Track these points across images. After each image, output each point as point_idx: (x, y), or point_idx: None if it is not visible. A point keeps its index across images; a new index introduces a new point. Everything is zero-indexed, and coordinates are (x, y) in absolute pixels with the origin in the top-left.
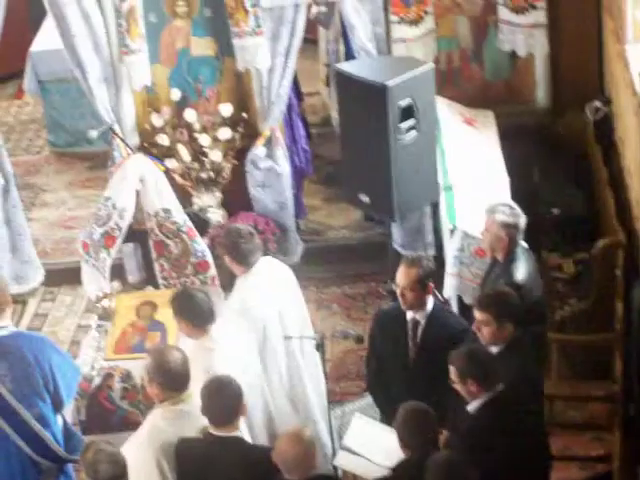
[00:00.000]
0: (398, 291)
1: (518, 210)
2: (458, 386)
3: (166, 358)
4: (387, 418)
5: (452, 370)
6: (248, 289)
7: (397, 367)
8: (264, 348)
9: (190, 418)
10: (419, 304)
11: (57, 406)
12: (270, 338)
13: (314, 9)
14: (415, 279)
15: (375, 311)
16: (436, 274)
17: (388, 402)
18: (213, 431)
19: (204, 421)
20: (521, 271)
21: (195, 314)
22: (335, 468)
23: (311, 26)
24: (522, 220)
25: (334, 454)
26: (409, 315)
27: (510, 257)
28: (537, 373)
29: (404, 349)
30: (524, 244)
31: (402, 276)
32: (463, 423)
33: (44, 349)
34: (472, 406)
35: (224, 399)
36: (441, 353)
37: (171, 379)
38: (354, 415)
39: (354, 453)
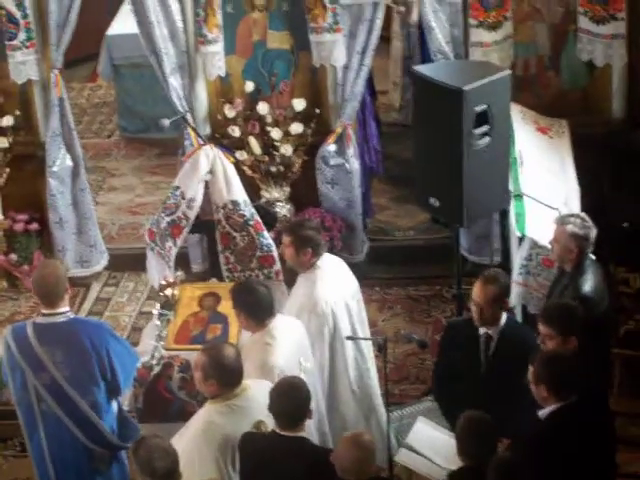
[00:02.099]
0: (473, 307)
1: (589, 222)
2: (533, 387)
3: (222, 354)
4: (451, 424)
5: (530, 370)
6: (315, 283)
7: (467, 380)
8: (334, 339)
9: (244, 413)
10: (493, 320)
11: (113, 393)
12: (339, 329)
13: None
14: (492, 297)
15: (438, 316)
16: None
17: (454, 410)
18: (279, 430)
19: (258, 416)
20: (589, 284)
21: (254, 307)
22: (391, 468)
23: (385, 23)
24: (593, 232)
25: (390, 454)
26: (482, 330)
27: (578, 269)
28: (602, 388)
29: (475, 363)
30: (592, 256)
31: (479, 293)
32: (531, 427)
33: (102, 336)
34: (543, 412)
35: (293, 402)
36: (513, 368)
37: (227, 375)
38: (418, 418)
39: (416, 452)
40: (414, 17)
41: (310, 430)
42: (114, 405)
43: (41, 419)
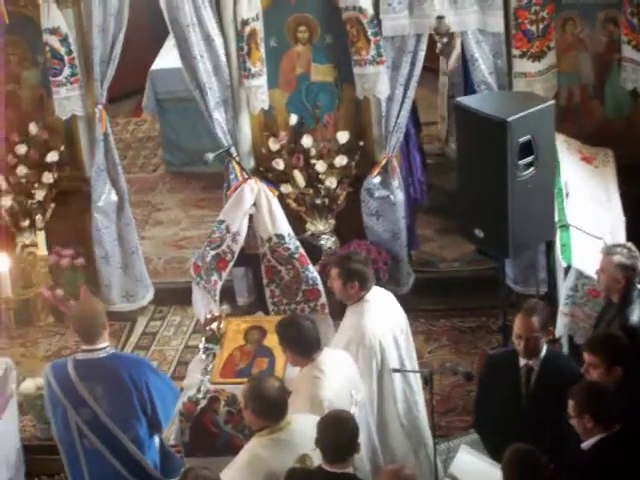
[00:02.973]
0: (517, 340)
1: (636, 252)
2: (574, 421)
3: (261, 385)
4: (494, 458)
5: (570, 404)
6: (363, 315)
7: (508, 412)
8: (382, 372)
9: (288, 447)
10: (537, 351)
11: (154, 428)
12: (388, 362)
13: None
14: (537, 328)
15: (484, 347)
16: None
17: (496, 443)
18: (325, 466)
19: (303, 450)
20: (637, 314)
21: (300, 343)
22: None
23: (430, 55)
24: None
25: None
26: (522, 361)
27: (626, 299)
28: None
29: (516, 395)
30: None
31: (523, 326)
32: (576, 460)
33: (141, 371)
34: (587, 443)
35: (340, 435)
36: (554, 399)
37: (266, 407)
38: (461, 447)
39: None
40: (451, 63)
41: (363, 463)
42: (156, 440)
43: (83, 455)
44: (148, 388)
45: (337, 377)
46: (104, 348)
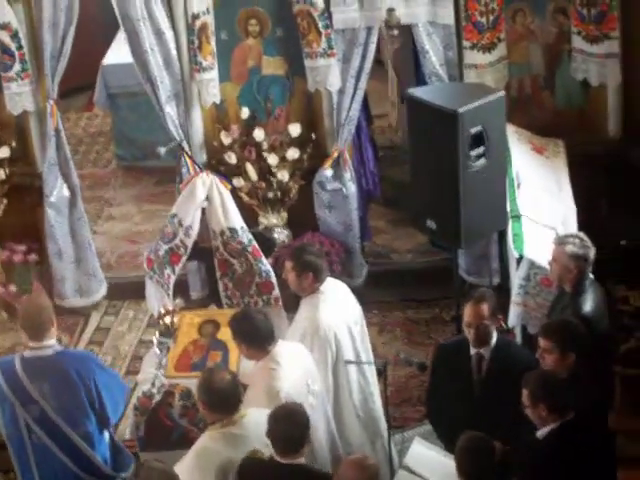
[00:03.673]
0: (468, 329)
1: (588, 242)
2: (529, 410)
3: (212, 378)
4: (448, 448)
5: (524, 393)
6: (318, 307)
7: (460, 401)
8: (336, 364)
9: (240, 441)
10: (488, 339)
11: (103, 424)
12: (343, 354)
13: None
14: (486, 315)
15: (438, 338)
16: (500, 303)
17: (449, 433)
18: (277, 457)
19: (255, 444)
20: (589, 303)
21: (254, 336)
22: None
23: (380, 47)
24: (592, 252)
25: (392, 478)
26: (473, 350)
27: (578, 289)
28: (602, 406)
29: (468, 383)
30: (592, 276)
31: (471, 314)
32: (530, 449)
33: (89, 367)
34: (541, 432)
35: (291, 428)
36: (506, 387)
37: (217, 400)
38: (415, 438)
39: (414, 473)
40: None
41: (324, 452)
42: (106, 435)
43: (32, 452)
44: (95, 384)
45: (293, 368)
46: (51, 346)
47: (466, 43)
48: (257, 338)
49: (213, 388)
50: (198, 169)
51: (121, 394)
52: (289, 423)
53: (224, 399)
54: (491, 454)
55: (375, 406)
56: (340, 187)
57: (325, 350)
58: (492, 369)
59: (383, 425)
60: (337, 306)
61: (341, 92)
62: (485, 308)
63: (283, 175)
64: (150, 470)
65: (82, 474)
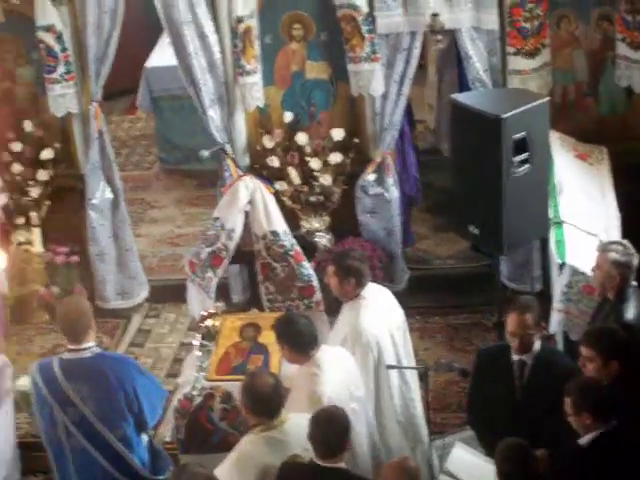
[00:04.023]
0: (511, 338)
1: (631, 249)
2: (572, 418)
3: (255, 382)
4: (489, 453)
5: (567, 402)
6: (359, 312)
7: (502, 406)
8: (378, 369)
9: (280, 446)
10: (529, 347)
11: (141, 427)
12: (384, 359)
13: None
14: (530, 325)
15: (479, 344)
16: (542, 309)
17: (491, 438)
18: (317, 461)
19: (295, 449)
20: (632, 311)
21: (297, 340)
22: None
23: (422, 52)
24: (635, 259)
25: None
26: (515, 356)
27: (621, 297)
28: None
29: (510, 390)
30: (635, 283)
31: (515, 324)
32: (573, 457)
33: (127, 370)
34: (585, 439)
35: (332, 432)
36: (548, 394)
37: (259, 404)
38: (456, 443)
39: (455, 478)
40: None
41: (365, 459)
42: (144, 438)
43: (71, 455)
44: (134, 387)
45: (336, 373)
46: (90, 348)
47: (510, 49)
48: (300, 342)
49: (256, 391)
50: (241, 172)
51: (159, 398)
52: (330, 426)
53: (266, 403)
54: (531, 460)
55: (416, 412)
56: (382, 192)
57: (367, 355)
58: (534, 376)
59: (424, 431)
60: (379, 312)
61: (384, 97)
62: (529, 317)
63: (326, 179)
64: (192, 475)
65: (120, 477)
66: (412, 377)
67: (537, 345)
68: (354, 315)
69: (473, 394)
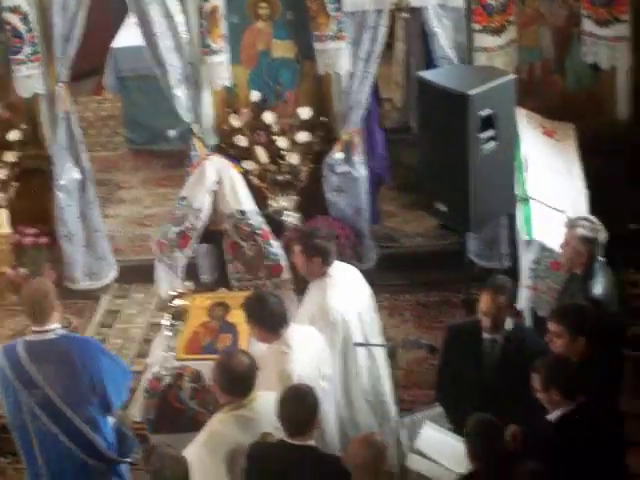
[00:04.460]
0: (484, 317)
1: (599, 224)
2: (541, 395)
3: (230, 361)
4: (457, 429)
5: (536, 378)
6: (326, 291)
7: (472, 384)
8: (345, 347)
9: (250, 424)
10: (502, 326)
11: (106, 408)
12: (351, 338)
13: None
14: (503, 305)
15: (448, 321)
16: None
17: (459, 414)
18: (287, 439)
19: (266, 427)
20: (599, 287)
21: (267, 319)
22: (402, 474)
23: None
24: (602, 235)
25: (403, 461)
26: (485, 334)
27: (589, 272)
28: (613, 390)
29: (480, 367)
30: (602, 259)
31: (489, 304)
32: (542, 432)
33: (92, 352)
34: (553, 415)
35: (300, 410)
36: (518, 372)
37: (232, 383)
38: (425, 422)
39: (425, 457)
40: None
41: (333, 438)
42: (110, 420)
43: (36, 436)
44: (98, 369)
45: (305, 352)
46: (54, 329)
47: (476, 26)
48: (270, 321)
49: (231, 371)
50: (208, 152)
51: (124, 379)
52: (299, 404)
53: (241, 382)
54: (500, 436)
55: (384, 390)
56: (350, 170)
57: (334, 334)
58: (505, 354)
59: (392, 408)
60: (346, 290)
61: (351, 75)
62: (503, 298)
63: (293, 158)
64: (161, 455)
65: (86, 458)
66: (380, 355)
67: (508, 323)
68: (321, 294)
69: (442, 370)
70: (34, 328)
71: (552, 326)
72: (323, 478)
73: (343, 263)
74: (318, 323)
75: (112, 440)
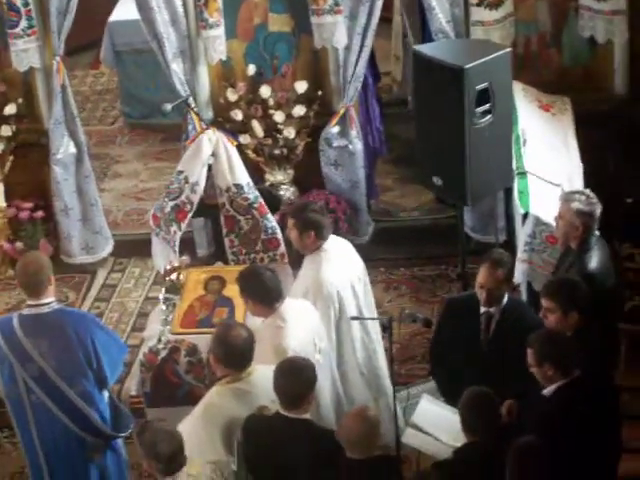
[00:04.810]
0: (480, 290)
1: (594, 198)
2: (535, 369)
3: (229, 334)
4: (450, 403)
5: (530, 353)
6: (320, 265)
7: (467, 358)
8: (340, 321)
9: (247, 397)
10: (498, 300)
11: (101, 383)
12: (346, 311)
13: None
14: (502, 280)
15: (444, 295)
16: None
17: (452, 388)
18: (283, 412)
19: (262, 401)
20: (594, 260)
21: (262, 293)
22: (397, 448)
23: (386, 4)
24: (598, 209)
25: (398, 435)
26: (482, 308)
27: (584, 246)
28: (608, 363)
29: (475, 341)
30: (597, 233)
31: (487, 277)
32: (537, 407)
33: (87, 326)
34: (547, 390)
35: (297, 382)
36: (514, 347)
37: (231, 356)
38: (422, 396)
39: (422, 431)
40: None
41: (328, 412)
42: (105, 394)
43: (31, 410)
44: (93, 343)
45: (300, 326)
46: (49, 303)
47: (472, 0)
48: (265, 295)
49: (229, 343)
50: (204, 126)
51: (119, 354)
52: (295, 376)
53: (239, 355)
54: (495, 409)
55: (379, 363)
56: (346, 144)
57: (328, 308)
58: (501, 329)
59: (387, 382)
60: (340, 264)
61: (347, 49)
62: (501, 273)
63: (289, 132)
64: (154, 431)
65: (81, 433)
66: (374, 329)
67: (505, 298)
68: (315, 267)
69: (436, 343)
70: (29, 302)
71: (545, 302)
72: (318, 452)
73: (336, 237)
74: (312, 297)
75: (107, 415)
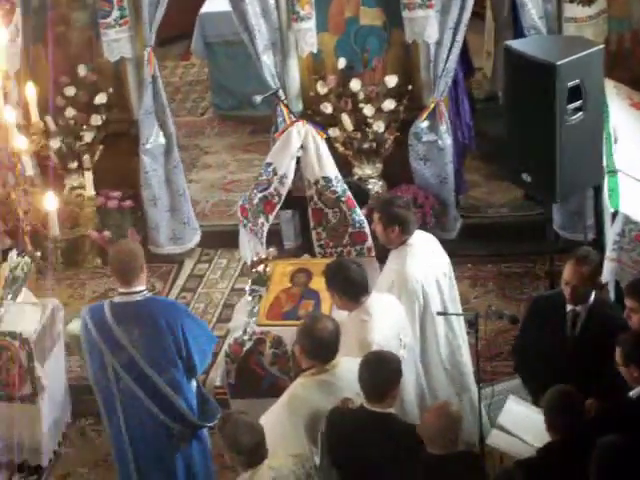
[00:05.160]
0: (566, 287)
1: None
2: (622, 369)
3: (316, 325)
4: (536, 402)
5: (618, 352)
6: (405, 259)
7: (552, 356)
8: (424, 316)
9: (331, 389)
10: (585, 298)
11: (190, 372)
12: (430, 306)
13: None
14: (587, 276)
15: (531, 293)
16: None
17: (538, 386)
18: (367, 405)
19: (346, 393)
20: None
21: (348, 286)
22: (482, 445)
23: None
24: None
25: (481, 431)
26: (569, 306)
27: None
28: None
29: (561, 339)
30: None
31: (572, 274)
32: (622, 408)
33: (177, 315)
34: (635, 392)
35: (382, 375)
36: (600, 346)
37: (316, 347)
38: (509, 396)
39: (508, 432)
40: None
41: (412, 407)
42: (193, 384)
43: (119, 398)
44: (183, 332)
45: (385, 320)
46: (141, 291)
47: None
48: (351, 289)
49: (316, 335)
50: (294, 118)
51: (208, 344)
52: (380, 369)
53: (324, 347)
54: (580, 408)
55: (462, 359)
56: (435, 139)
57: (412, 302)
58: (587, 327)
59: (470, 379)
60: (425, 258)
61: (438, 44)
62: (586, 269)
63: (379, 126)
64: (236, 422)
65: (168, 421)
66: (459, 324)
67: (592, 297)
68: (400, 262)
69: (521, 341)
70: (121, 290)
71: (628, 301)
72: (400, 446)
73: (422, 232)
74: (397, 291)
75: (194, 404)
